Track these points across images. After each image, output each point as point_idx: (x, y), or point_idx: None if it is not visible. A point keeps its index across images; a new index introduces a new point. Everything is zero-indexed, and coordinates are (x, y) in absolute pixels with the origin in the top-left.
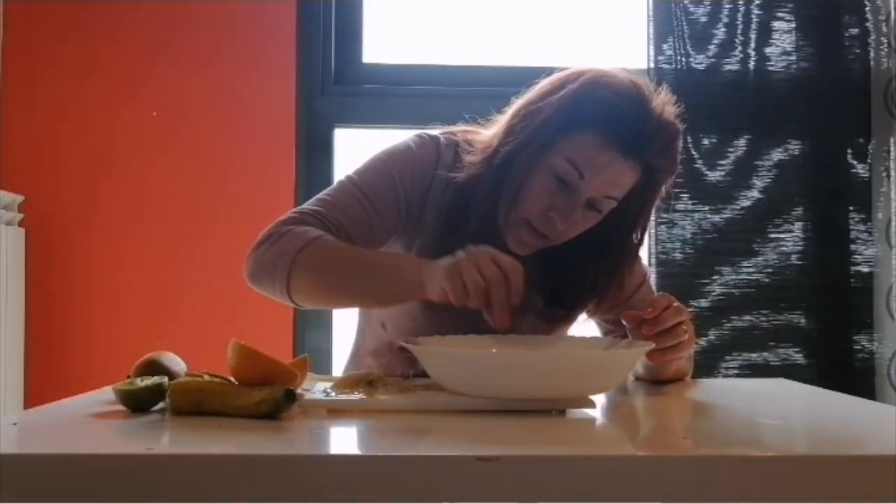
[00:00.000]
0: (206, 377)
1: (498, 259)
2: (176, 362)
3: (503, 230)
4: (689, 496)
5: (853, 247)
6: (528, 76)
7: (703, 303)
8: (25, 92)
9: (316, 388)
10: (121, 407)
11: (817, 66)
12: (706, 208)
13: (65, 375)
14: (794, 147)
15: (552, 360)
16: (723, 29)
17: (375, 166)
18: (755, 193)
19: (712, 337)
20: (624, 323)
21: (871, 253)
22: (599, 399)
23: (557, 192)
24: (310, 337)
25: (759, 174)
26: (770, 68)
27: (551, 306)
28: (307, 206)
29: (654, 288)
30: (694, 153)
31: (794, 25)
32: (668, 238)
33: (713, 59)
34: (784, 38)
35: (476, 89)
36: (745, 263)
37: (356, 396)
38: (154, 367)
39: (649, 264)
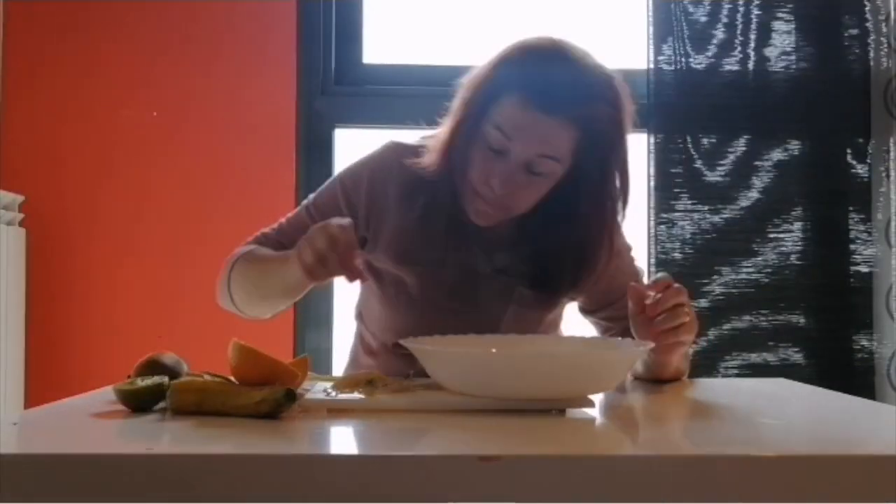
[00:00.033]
0: (207, 377)
1: (327, 227)
2: (176, 362)
3: (464, 205)
4: (689, 496)
5: (853, 247)
6: None
7: (703, 303)
8: (25, 92)
9: (316, 388)
10: (121, 407)
11: (817, 66)
12: (706, 208)
13: (65, 375)
14: (794, 147)
15: (552, 360)
16: (722, 29)
17: (328, 186)
18: (755, 193)
19: (712, 337)
20: (628, 301)
21: (871, 253)
22: (599, 399)
23: (493, 159)
24: (310, 337)
25: (759, 174)
26: (770, 68)
27: (535, 289)
28: (266, 228)
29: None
30: (694, 153)
31: (793, 25)
32: (667, 238)
33: (713, 60)
34: (784, 39)
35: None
36: (744, 263)
37: (356, 396)
38: (154, 367)
39: (649, 264)
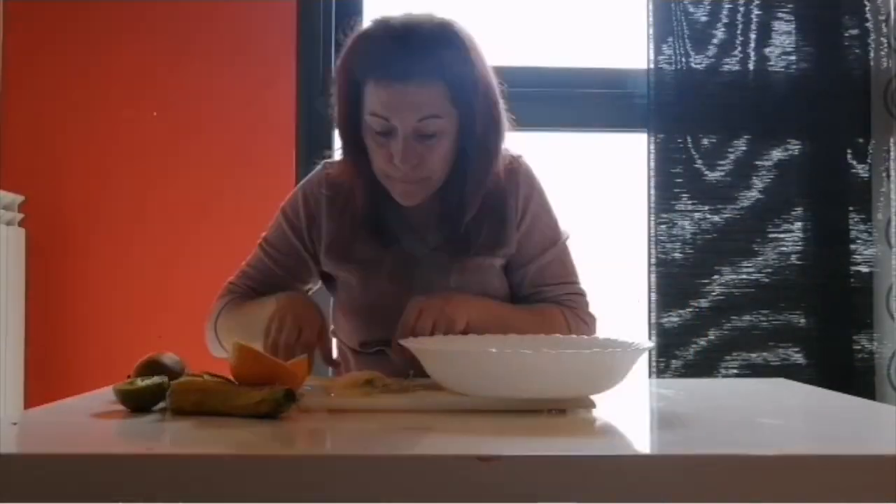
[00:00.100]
0: (206, 377)
1: (298, 318)
2: (176, 362)
3: (390, 194)
4: (690, 496)
5: (853, 247)
6: (528, 76)
7: (703, 303)
8: (25, 92)
9: (316, 388)
10: (121, 407)
11: (817, 66)
12: (706, 208)
13: (65, 375)
14: (794, 147)
15: (552, 360)
16: (723, 29)
17: (275, 219)
18: (755, 193)
19: (712, 337)
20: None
21: (871, 253)
22: (599, 399)
23: (386, 142)
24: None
25: (759, 174)
26: (770, 68)
27: (467, 256)
28: (232, 277)
29: (652, 286)
30: (694, 153)
31: (794, 25)
32: (668, 238)
33: (713, 59)
34: (784, 39)
35: None
36: (745, 263)
37: (356, 396)
38: (154, 367)
39: (649, 264)
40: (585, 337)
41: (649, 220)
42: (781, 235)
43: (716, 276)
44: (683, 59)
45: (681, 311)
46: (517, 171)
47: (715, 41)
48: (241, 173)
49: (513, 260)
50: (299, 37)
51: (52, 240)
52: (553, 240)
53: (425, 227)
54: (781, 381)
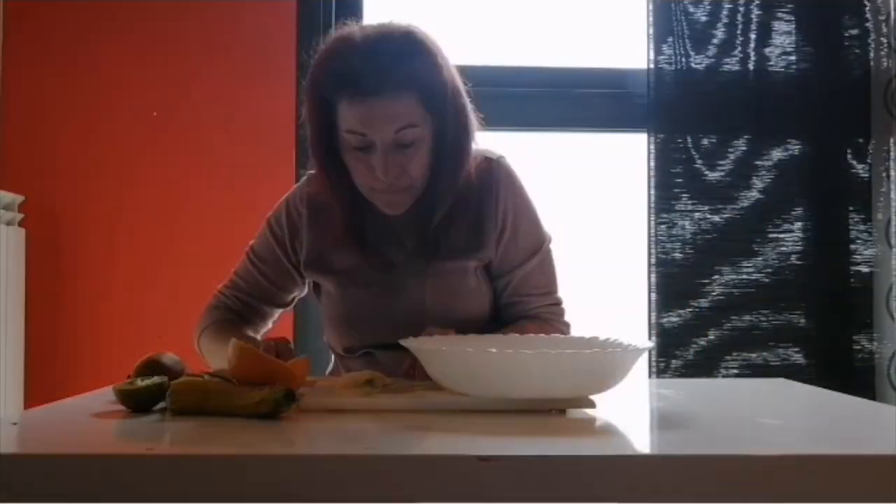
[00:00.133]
0: (206, 377)
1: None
2: (176, 362)
3: (373, 205)
4: (690, 496)
5: (853, 247)
6: (528, 76)
7: (703, 303)
8: (25, 92)
9: (316, 389)
10: (121, 407)
11: (817, 66)
12: (706, 208)
13: (65, 375)
14: (794, 147)
15: (552, 360)
16: (723, 29)
17: (261, 229)
18: (755, 193)
19: (712, 337)
20: None
21: (871, 253)
22: (599, 399)
23: (365, 157)
24: (310, 338)
25: (759, 174)
26: (770, 68)
27: (443, 258)
28: (220, 285)
29: (652, 287)
30: (694, 153)
31: (794, 25)
32: (668, 238)
33: (713, 59)
34: (784, 39)
35: (475, 90)
36: (745, 263)
37: (356, 396)
38: (154, 367)
39: (649, 264)
40: (585, 337)
41: (649, 220)
42: (781, 235)
43: (716, 276)
44: (683, 59)
45: (681, 311)
46: (495, 172)
47: (715, 41)
48: (241, 173)
49: (497, 267)
50: (299, 37)
51: (52, 240)
52: (537, 245)
53: (402, 232)
54: (781, 381)
